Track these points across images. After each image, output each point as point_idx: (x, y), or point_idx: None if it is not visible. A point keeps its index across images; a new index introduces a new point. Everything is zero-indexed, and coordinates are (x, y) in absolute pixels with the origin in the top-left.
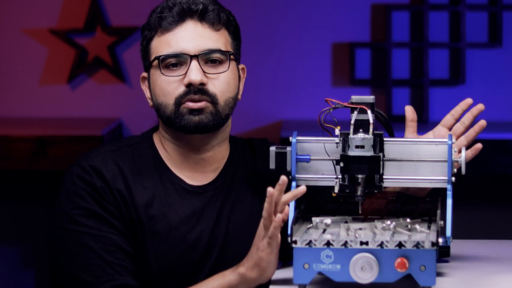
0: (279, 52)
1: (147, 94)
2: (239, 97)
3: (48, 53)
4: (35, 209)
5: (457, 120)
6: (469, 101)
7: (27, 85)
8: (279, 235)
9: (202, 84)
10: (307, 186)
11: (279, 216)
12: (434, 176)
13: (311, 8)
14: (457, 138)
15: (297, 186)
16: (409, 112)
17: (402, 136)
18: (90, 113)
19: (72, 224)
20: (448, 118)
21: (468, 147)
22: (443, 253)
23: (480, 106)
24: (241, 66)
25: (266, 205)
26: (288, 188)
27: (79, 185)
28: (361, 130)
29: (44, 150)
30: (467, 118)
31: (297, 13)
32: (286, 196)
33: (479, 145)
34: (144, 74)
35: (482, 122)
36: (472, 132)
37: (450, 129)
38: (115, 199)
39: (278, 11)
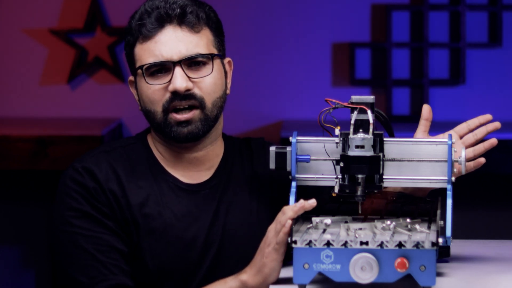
0: (279, 52)
1: (136, 97)
2: (228, 91)
3: (48, 53)
4: (35, 209)
5: (471, 130)
6: (488, 117)
7: (27, 85)
8: (287, 243)
9: (188, 90)
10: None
11: (289, 222)
12: (434, 176)
13: (311, 8)
14: (466, 148)
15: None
16: (426, 110)
17: (412, 135)
18: (90, 113)
19: (66, 226)
20: (463, 126)
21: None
22: (443, 253)
23: (496, 124)
24: (226, 59)
25: (291, 213)
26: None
27: (71, 187)
28: (361, 130)
29: (44, 150)
30: (481, 132)
31: (297, 13)
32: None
33: (482, 160)
34: (131, 78)
35: (494, 140)
36: (481, 148)
37: (461, 137)
38: (108, 200)
39: (278, 11)
